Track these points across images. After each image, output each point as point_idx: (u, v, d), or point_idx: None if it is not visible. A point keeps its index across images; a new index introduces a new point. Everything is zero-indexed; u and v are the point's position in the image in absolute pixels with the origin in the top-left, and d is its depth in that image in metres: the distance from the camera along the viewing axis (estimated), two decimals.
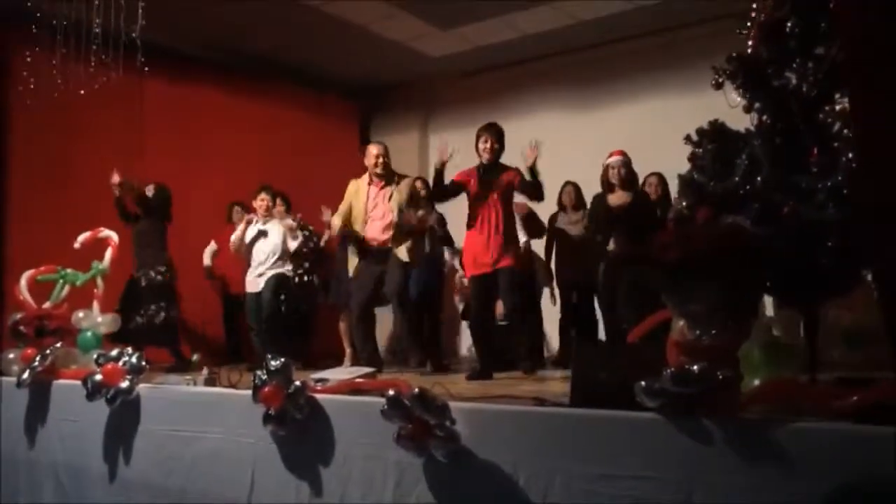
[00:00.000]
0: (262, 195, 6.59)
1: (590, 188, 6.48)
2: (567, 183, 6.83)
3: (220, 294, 7.61)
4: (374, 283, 5.79)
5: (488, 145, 5.32)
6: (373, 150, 5.93)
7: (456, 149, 5.40)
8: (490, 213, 5.30)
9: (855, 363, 3.74)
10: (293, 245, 6.59)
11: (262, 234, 6.51)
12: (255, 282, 6.51)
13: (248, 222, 6.57)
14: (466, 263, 5.42)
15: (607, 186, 5.70)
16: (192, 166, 7.87)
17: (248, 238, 6.56)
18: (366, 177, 5.94)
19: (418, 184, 6.77)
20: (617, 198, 5.63)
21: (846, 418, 2.25)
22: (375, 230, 5.80)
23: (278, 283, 6.49)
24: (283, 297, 6.62)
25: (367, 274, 5.81)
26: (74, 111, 6.68)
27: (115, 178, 6.56)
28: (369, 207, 5.83)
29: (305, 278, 7.16)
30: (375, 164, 5.83)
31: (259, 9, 7.29)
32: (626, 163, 5.68)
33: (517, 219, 5.73)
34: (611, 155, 5.81)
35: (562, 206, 6.86)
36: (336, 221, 5.98)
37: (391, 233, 5.76)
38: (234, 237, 6.62)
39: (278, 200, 6.98)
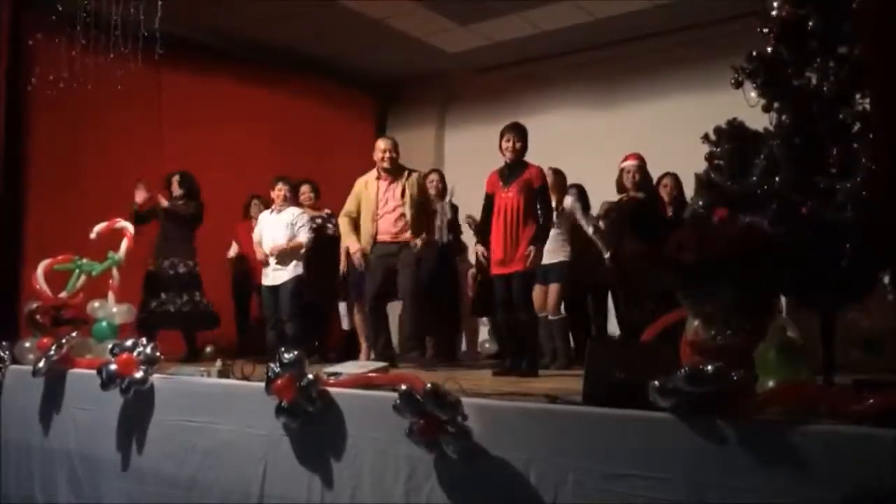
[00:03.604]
0: (279, 185, 6.55)
1: (604, 185, 6.47)
2: (572, 185, 6.73)
3: (233, 288, 7.65)
4: (384, 276, 5.82)
5: (510, 144, 5.27)
6: (380, 144, 5.98)
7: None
8: (509, 212, 5.22)
9: (872, 366, 3.71)
10: (304, 237, 6.45)
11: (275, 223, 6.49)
12: (270, 275, 6.46)
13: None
14: (491, 261, 5.37)
15: (621, 189, 5.74)
16: (208, 158, 7.89)
17: (261, 230, 6.56)
18: (373, 172, 5.96)
19: (433, 176, 6.85)
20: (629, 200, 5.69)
21: (863, 421, 2.23)
22: (387, 224, 5.84)
23: (297, 285, 6.40)
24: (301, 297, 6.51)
25: (378, 267, 5.85)
26: (92, 101, 6.71)
27: (140, 196, 6.56)
28: (380, 202, 5.86)
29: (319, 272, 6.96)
30: (382, 159, 5.87)
31: (278, 2, 7.31)
32: (641, 167, 5.71)
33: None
34: (626, 158, 5.81)
35: None
36: (343, 222, 6.03)
37: (402, 225, 5.82)
38: (274, 246, 6.46)
39: (307, 188, 7.01)
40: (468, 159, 7.06)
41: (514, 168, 5.29)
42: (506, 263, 5.19)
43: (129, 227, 5.98)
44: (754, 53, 3.28)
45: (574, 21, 7.81)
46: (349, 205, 6.01)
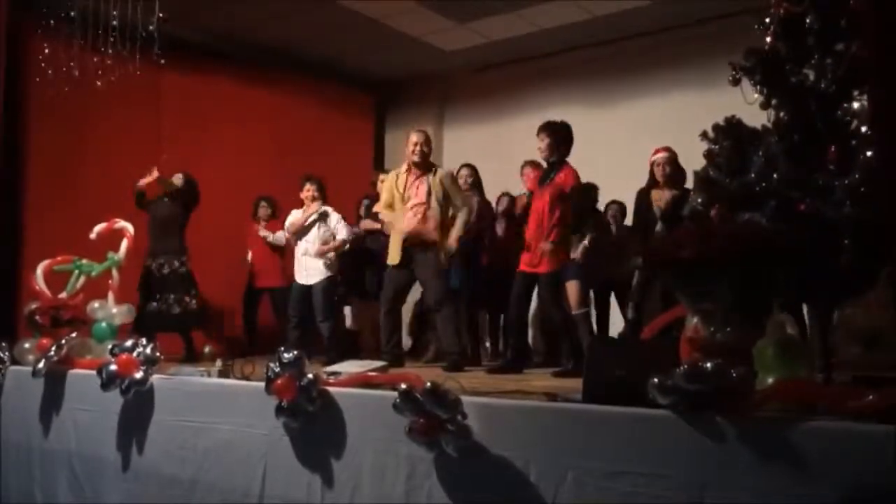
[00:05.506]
0: (308, 185, 6.55)
1: (604, 184, 6.47)
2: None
3: (243, 287, 7.66)
4: (405, 277, 5.76)
5: (543, 144, 5.36)
6: (413, 137, 5.79)
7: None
8: (541, 211, 5.32)
9: (870, 363, 3.71)
10: (344, 234, 6.49)
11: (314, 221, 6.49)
12: (304, 273, 6.46)
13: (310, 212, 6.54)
14: (521, 258, 5.43)
15: (652, 183, 5.68)
16: (207, 158, 7.89)
17: (292, 223, 6.56)
18: (405, 165, 5.86)
19: (463, 171, 6.71)
20: (659, 195, 5.60)
21: (861, 418, 2.23)
22: (407, 220, 5.69)
23: (330, 285, 6.42)
24: (335, 298, 6.56)
25: (396, 268, 5.74)
26: (91, 103, 6.70)
27: (154, 174, 6.64)
28: (406, 196, 5.73)
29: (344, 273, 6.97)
30: (413, 152, 5.71)
31: (276, 2, 7.31)
32: (672, 160, 5.63)
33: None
34: (656, 151, 5.75)
35: None
36: (386, 214, 5.94)
37: (421, 223, 5.65)
38: (291, 222, 6.59)
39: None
40: (467, 158, 7.04)
41: (551, 169, 5.37)
42: (532, 264, 5.29)
43: (129, 228, 5.97)
44: (752, 50, 3.28)
45: (573, 19, 7.79)
46: (385, 196, 5.87)
